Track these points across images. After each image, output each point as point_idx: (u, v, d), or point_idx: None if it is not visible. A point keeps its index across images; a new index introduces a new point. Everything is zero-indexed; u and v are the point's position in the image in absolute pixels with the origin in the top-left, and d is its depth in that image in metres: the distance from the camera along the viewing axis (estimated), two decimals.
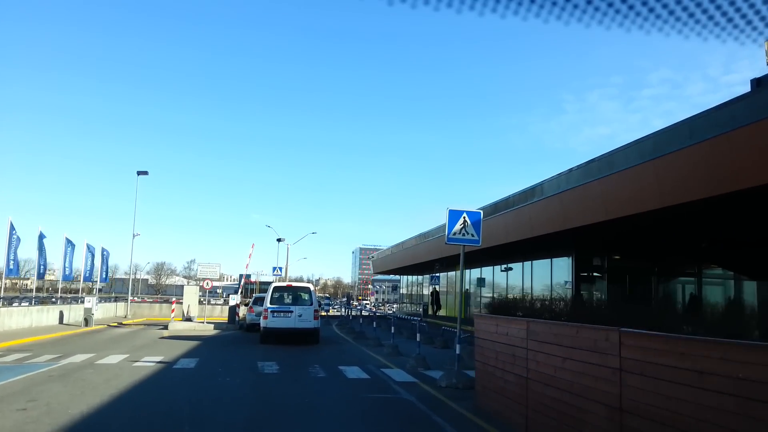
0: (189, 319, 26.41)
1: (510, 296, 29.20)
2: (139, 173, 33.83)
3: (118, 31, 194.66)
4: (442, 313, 36.94)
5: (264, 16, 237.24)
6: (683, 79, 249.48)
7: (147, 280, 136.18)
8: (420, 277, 43.83)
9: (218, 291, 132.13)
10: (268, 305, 18.10)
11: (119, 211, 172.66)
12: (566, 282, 23.32)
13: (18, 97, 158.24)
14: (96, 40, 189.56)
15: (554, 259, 24.39)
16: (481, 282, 34.24)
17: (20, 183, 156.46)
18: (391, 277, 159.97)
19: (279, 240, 41.84)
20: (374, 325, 21.93)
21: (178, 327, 24.34)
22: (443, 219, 11.77)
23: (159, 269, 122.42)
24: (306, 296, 18.94)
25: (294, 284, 20.08)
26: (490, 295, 32.11)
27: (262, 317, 18.37)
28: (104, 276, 30.24)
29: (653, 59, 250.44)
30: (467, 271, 35.61)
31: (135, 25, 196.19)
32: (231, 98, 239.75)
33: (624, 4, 2.29)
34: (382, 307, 64.76)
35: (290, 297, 19.03)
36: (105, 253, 30.52)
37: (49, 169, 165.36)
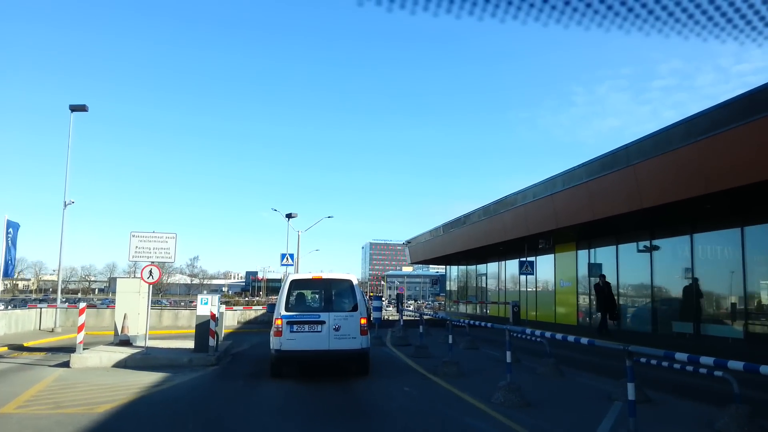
0: (126, 341, 13.60)
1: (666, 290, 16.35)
2: (73, 108, 21.12)
3: (120, 32, 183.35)
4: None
5: (272, 16, 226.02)
6: (694, 70, 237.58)
7: None
8: (485, 266, 30.81)
9: (223, 289, 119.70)
10: (283, 312, 10.04)
11: (122, 218, 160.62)
12: None
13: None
14: (97, 40, 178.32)
15: None
16: (595, 269, 21.28)
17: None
18: (410, 272, 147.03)
19: (288, 216, 29.03)
20: (453, 343, 9.42)
21: (90, 362, 11.61)
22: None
23: (160, 267, 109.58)
24: (346, 296, 10.50)
25: (326, 276, 10.96)
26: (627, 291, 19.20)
27: (273, 332, 10.11)
28: (8, 268, 17.36)
29: (664, 50, 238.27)
30: (563, 254, 22.71)
31: (140, 25, 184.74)
32: (236, 98, 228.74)
33: (623, 6, 2.21)
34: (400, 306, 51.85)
35: (320, 298, 10.83)
36: (11, 230, 17.82)
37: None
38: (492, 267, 29.92)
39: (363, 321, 9.95)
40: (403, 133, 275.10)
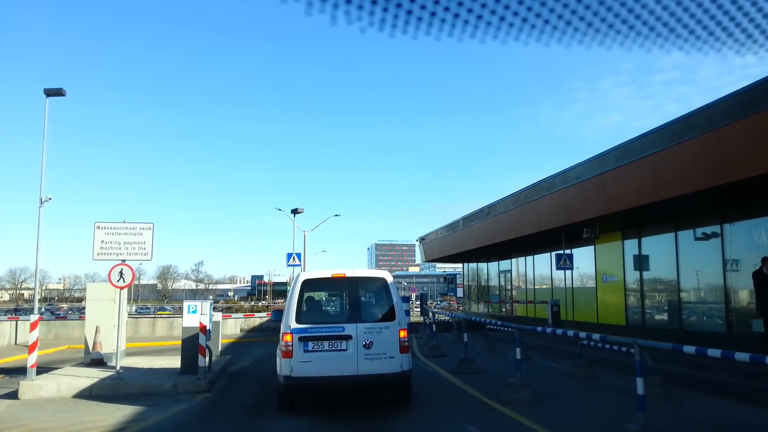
0: (99, 360, 10.95)
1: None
2: (48, 93, 18.45)
3: (122, 37, 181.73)
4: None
5: (274, 19, 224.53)
6: (696, 63, 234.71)
7: (155, 285, 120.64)
8: (509, 262, 28.00)
9: (229, 294, 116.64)
10: (293, 324, 7.18)
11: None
12: None
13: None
14: (99, 44, 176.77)
15: None
16: (642, 262, 18.50)
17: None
18: (417, 272, 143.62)
19: (294, 212, 26.40)
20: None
21: (45, 391, 8.95)
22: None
23: (164, 273, 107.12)
24: (379, 301, 7.70)
25: (350, 275, 7.71)
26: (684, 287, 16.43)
27: (280, 352, 7.32)
28: None
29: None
30: (607, 244, 19.92)
31: (141, 30, 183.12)
32: (238, 102, 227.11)
33: (624, 25, 2.23)
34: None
35: (343, 304, 7.88)
36: None
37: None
38: (517, 263, 27.12)
39: (403, 333, 7.32)
40: (406, 133, 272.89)
